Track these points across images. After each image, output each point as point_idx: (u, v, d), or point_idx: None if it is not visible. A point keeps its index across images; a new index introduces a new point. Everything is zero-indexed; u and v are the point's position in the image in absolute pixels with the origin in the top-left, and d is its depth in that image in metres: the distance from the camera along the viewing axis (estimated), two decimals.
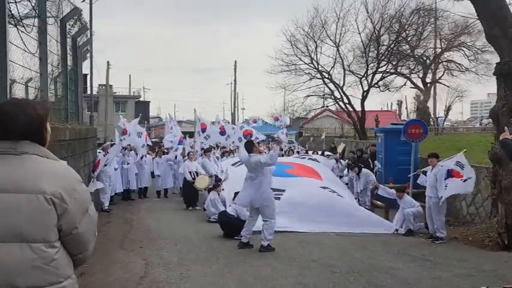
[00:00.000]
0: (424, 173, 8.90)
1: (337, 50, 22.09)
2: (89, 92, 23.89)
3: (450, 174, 8.35)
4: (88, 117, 16.28)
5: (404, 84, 28.77)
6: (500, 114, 8.04)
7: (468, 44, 27.72)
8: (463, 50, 28.20)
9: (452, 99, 31.42)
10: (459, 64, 28.68)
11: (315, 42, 22.14)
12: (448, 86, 30.96)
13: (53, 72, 9.80)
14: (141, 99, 48.84)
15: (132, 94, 47.39)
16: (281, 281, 5.54)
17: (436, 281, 5.62)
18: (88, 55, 15.80)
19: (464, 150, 8.69)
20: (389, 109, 54.75)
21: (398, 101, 52.80)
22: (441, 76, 30.37)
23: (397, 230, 9.36)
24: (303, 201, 9.38)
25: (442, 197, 8.22)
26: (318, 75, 22.57)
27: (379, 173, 13.28)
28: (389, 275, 5.88)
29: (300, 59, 22.73)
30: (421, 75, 28.52)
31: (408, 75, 27.09)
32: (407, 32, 23.05)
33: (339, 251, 7.39)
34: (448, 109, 32.20)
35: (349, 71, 22.00)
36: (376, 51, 21.63)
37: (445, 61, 29.38)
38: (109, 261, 6.40)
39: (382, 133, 13.85)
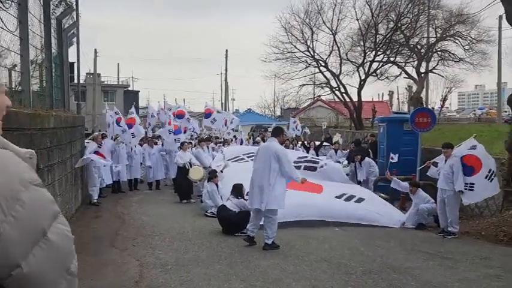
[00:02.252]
0: (435, 164, 8.38)
1: (334, 37, 21.46)
2: (76, 80, 22.96)
3: (465, 165, 7.83)
4: (75, 106, 15.40)
5: (400, 74, 28.36)
6: None
7: (463, 33, 27.38)
8: (458, 40, 27.84)
9: (449, 89, 31.03)
10: (453, 54, 28.36)
11: (311, 29, 21.48)
12: (443, 76, 30.65)
13: (37, 56, 9.07)
14: (130, 88, 47.70)
15: (120, 83, 46.24)
16: (294, 285, 4.97)
17: (464, 283, 5.10)
18: (74, 40, 14.92)
19: (474, 135, 8.18)
20: (381, 100, 54.61)
21: (389, 91, 52.71)
22: (435, 66, 30.04)
23: (404, 223, 8.88)
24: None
25: (461, 191, 7.71)
26: (314, 63, 21.94)
27: (379, 164, 12.76)
28: (410, 276, 5.36)
29: (295, 46, 22.08)
30: (415, 65, 28.13)
31: (403, 65, 26.63)
32: (401, 21, 22.57)
33: (349, 248, 6.85)
34: (444, 99, 31.89)
35: (346, 59, 21.42)
36: (374, 39, 21.03)
37: (439, 51, 29.01)
38: (99, 263, 5.76)
39: (384, 123, 13.32)
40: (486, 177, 7.83)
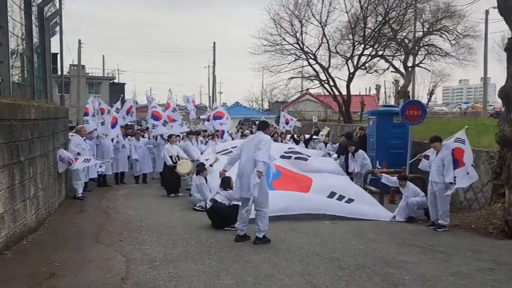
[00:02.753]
0: (426, 157, 8.31)
1: (323, 30, 21.29)
2: (59, 72, 22.41)
3: (455, 159, 7.79)
4: (59, 97, 14.98)
5: (388, 68, 28.40)
6: None
7: (450, 28, 27.50)
8: (444, 34, 27.96)
9: (435, 83, 31.20)
10: (439, 48, 28.48)
11: (300, 21, 21.26)
12: (429, 70, 30.81)
13: (18, 45, 8.73)
14: (116, 81, 46.98)
15: (106, 75, 45.49)
16: (286, 280, 4.83)
17: (458, 277, 5.02)
18: (57, 29, 14.48)
19: (466, 126, 8.14)
20: (368, 93, 54.83)
21: (376, 85, 52.92)
22: (422, 60, 30.16)
23: (394, 216, 8.82)
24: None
25: (452, 183, 7.67)
26: (303, 56, 21.75)
27: (369, 157, 12.69)
28: (403, 270, 5.26)
29: (284, 39, 21.86)
30: (402, 59, 28.19)
31: (390, 59, 26.65)
32: (389, 15, 22.51)
33: (340, 242, 6.75)
34: (431, 93, 32.07)
35: (336, 52, 21.28)
36: (363, 32, 20.93)
37: (426, 45, 29.10)
38: (83, 259, 5.53)
39: (373, 116, 13.26)
40: (468, 173, 7.82)
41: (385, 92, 54.93)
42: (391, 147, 12.18)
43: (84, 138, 10.87)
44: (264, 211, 6.58)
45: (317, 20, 21.38)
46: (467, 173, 7.75)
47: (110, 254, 5.77)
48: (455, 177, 7.67)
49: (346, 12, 21.07)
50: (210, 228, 7.49)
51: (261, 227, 6.53)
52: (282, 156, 11.02)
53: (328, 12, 21.11)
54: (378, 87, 54.04)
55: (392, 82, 48.16)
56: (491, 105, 28.48)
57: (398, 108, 12.23)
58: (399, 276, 5.02)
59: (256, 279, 4.86)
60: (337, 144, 14.53)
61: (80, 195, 10.26)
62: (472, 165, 7.82)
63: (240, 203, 7.18)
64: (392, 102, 49.89)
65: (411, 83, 32.55)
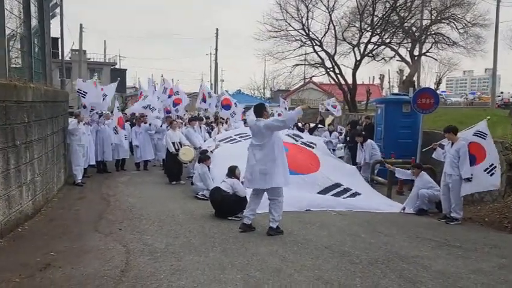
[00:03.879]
0: (441, 146, 7.97)
1: (330, 16, 20.75)
2: (60, 56, 21.96)
3: (471, 154, 7.43)
4: (59, 82, 14.61)
5: (394, 56, 27.87)
6: None
7: (458, 16, 26.91)
8: (453, 23, 27.37)
9: (443, 72, 30.66)
10: (447, 37, 27.91)
11: (307, 6, 20.72)
12: (436, 59, 30.26)
13: (17, 26, 8.36)
14: (117, 67, 46.45)
15: (107, 61, 44.97)
16: (296, 276, 4.53)
17: (479, 274, 4.72)
18: (58, 11, 14.08)
19: (488, 117, 7.76)
20: (372, 83, 54.20)
21: (380, 75, 52.30)
22: (429, 49, 29.61)
23: (404, 208, 8.52)
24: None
25: (468, 179, 7.33)
26: (309, 42, 21.24)
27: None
28: (420, 266, 4.96)
29: (289, 24, 21.33)
30: (409, 48, 27.66)
31: (397, 48, 26.15)
32: (397, 2, 21.96)
33: (349, 234, 6.44)
34: (438, 82, 31.52)
35: (343, 39, 20.76)
36: (371, 19, 20.39)
37: (433, 34, 28.53)
38: (81, 249, 5.25)
39: (382, 104, 12.87)
40: (486, 170, 7.44)
41: (389, 82, 54.34)
42: (399, 137, 11.83)
43: (84, 122, 10.54)
44: (279, 200, 6.28)
45: (324, 5, 20.83)
46: (488, 173, 7.36)
47: (110, 244, 5.49)
48: (471, 174, 7.32)
49: None
50: (213, 218, 7.20)
51: (276, 216, 6.24)
52: (288, 135, 10.81)
53: None
54: (381, 77, 53.46)
55: (397, 71, 47.66)
56: (499, 96, 27.95)
57: (408, 97, 11.86)
58: (416, 273, 4.71)
59: (264, 273, 4.56)
60: (343, 132, 14.16)
61: (79, 181, 9.98)
62: (494, 166, 7.36)
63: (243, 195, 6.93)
64: (396, 91, 49.34)
65: (417, 72, 32.17)
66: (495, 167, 7.41)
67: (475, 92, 48.30)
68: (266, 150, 6.14)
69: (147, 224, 6.62)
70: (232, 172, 7.51)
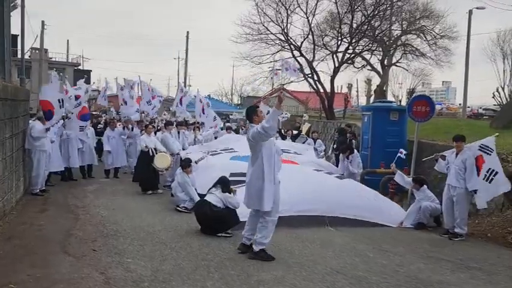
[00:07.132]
0: (443, 157, 7.48)
1: (309, 21, 20.34)
2: (19, 55, 20.44)
3: (475, 167, 7.02)
4: (19, 80, 13.34)
5: (365, 65, 27.90)
6: None
7: (428, 28, 27.32)
8: (422, 34, 27.75)
9: (416, 82, 31.08)
10: (416, 48, 28.27)
11: (287, 9, 20.20)
12: (407, 70, 30.63)
13: None
14: (81, 67, 44.38)
15: (70, 61, 42.89)
16: None
17: None
18: (18, 2, 12.85)
19: (497, 134, 7.35)
20: (340, 91, 54.69)
21: (348, 84, 52.83)
22: (399, 59, 29.92)
23: (401, 222, 7.98)
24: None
25: (475, 192, 6.88)
26: (288, 47, 20.73)
27: (363, 156, 11.83)
28: None
29: (266, 28, 20.74)
30: (380, 58, 27.82)
31: (368, 58, 26.19)
32: (369, 12, 21.93)
33: (357, 255, 5.78)
34: (412, 92, 31.91)
35: (323, 44, 20.38)
36: (349, 26, 20.15)
37: (402, 44, 28.85)
38: (48, 278, 4.27)
39: (369, 111, 12.40)
40: (484, 178, 7.04)
41: (357, 91, 55.02)
42: (387, 146, 11.37)
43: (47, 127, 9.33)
44: (267, 219, 5.29)
45: (303, 11, 20.39)
46: (487, 181, 6.97)
47: (83, 271, 4.54)
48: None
49: (335, 2, 20.14)
50: (199, 234, 6.35)
51: (259, 238, 5.28)
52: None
53: (317, 1, 20.14)
54: (349, 86, 54.03)
55: (365, 81, 48.23)
56: (468, 107, 28.65)
57: (395, 104, 11.47)
58: None
59: None
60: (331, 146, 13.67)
61: (38, 190, 8.81)
62: (492, 170, 6.97)
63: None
64: (363, 101, 49.94)
65: (386, 82, 32.47)
66: (493, 171, 7.01)
67: (441, 102, 49.68)
68: (255, 166, 5.24)
69: (125, 243, 5.69)
70: (226, 185, 6.63)
